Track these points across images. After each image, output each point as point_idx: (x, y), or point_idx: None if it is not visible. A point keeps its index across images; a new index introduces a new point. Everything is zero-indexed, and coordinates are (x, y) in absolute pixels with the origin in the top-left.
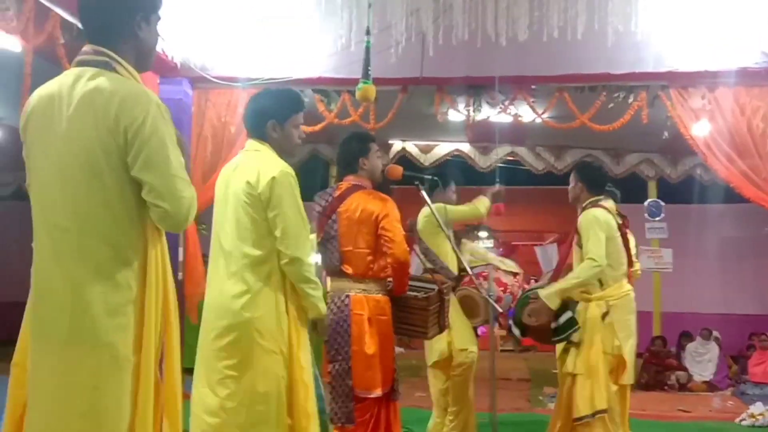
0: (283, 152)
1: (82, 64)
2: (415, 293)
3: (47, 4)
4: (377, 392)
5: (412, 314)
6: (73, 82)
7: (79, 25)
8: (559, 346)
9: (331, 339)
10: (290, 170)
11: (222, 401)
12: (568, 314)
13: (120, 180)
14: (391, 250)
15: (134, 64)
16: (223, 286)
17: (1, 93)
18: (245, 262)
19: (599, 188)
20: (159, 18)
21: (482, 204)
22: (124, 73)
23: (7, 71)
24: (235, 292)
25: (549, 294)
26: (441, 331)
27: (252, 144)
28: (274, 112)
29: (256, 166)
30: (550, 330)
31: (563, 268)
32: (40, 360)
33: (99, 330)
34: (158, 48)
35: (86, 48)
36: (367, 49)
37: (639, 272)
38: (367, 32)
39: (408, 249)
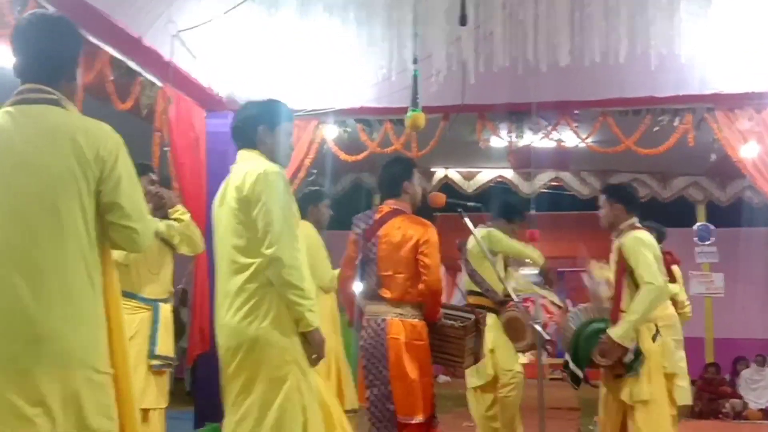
0: (275, 160)
1: (25, 102)
2: (452, 322)
3: (96, 42)
4: (419, 418)
5: (448, 343)
6: (23, 116)
7: (129, 63)
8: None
9: (369, 364)
10: (279, 169)
11: (235, 427)
12: (632, 348)
13: (83, 206)
14: (425, 277)
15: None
16: (225, 306)
17: None
18: (245, 275)
19: (636, 207)
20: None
21: (535, 251)
22: (72, 110)
23: None
24: (236, 307)
25: (623, 335)
26: (476, 361)
27: (242, 154)
28: (265, 117)
29: (244, 170)
30: (621, 366)
31: (620, 296)
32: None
33: (73, 350)
34: (204, 83)
35: (26, 86)
36: (415, 77)
37: (689, 313)
38: (415, 61)
39: (440, 278)
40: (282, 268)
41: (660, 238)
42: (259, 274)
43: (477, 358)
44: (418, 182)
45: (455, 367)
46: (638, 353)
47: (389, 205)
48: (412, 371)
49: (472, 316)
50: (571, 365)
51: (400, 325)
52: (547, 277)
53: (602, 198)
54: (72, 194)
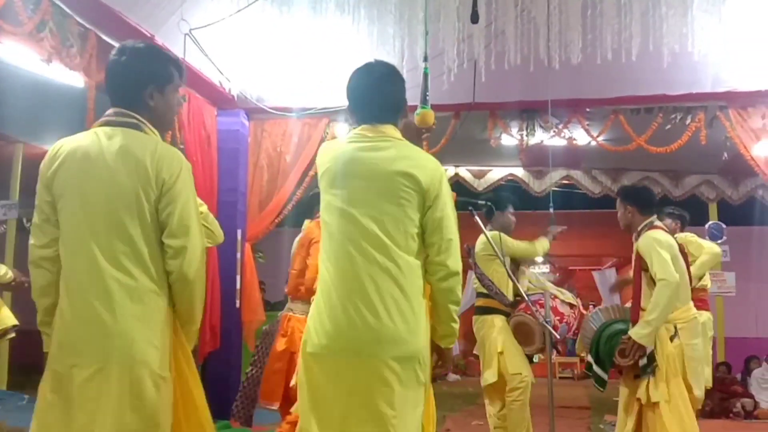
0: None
1: (109, 124)
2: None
3: (109, 40)
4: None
5: None
6: (106, 137)
7: None
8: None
9: (260, 345)
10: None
11: None
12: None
13: (154, 221)
14: (306, 275)
15: (152, 125)
16: (368, 307)
17: (65, 127)
18: (402, 277)
19: (650, 208)
20: (176, 88)
21: (541, 246)
22: (149, 133)
23: (71, 106)
24: (395, 312)
25: (643, 335)
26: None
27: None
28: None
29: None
30: (638, 367)
31: (639, 295)
32: (80, 383)
33: (135, 350)
34: (216, 81)
35: (112, 110)
36: (426, 75)
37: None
38: (425, 59)
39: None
40: (453, 276)
41: (683, 225)
42: (417, 278)
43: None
44: None
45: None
46: (652, 358)
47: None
48: (280, 362)
49: None
50: (595, 368)
51: (286, 318)
52: (553, 265)
53: (617, 201)
54: (134, 210)
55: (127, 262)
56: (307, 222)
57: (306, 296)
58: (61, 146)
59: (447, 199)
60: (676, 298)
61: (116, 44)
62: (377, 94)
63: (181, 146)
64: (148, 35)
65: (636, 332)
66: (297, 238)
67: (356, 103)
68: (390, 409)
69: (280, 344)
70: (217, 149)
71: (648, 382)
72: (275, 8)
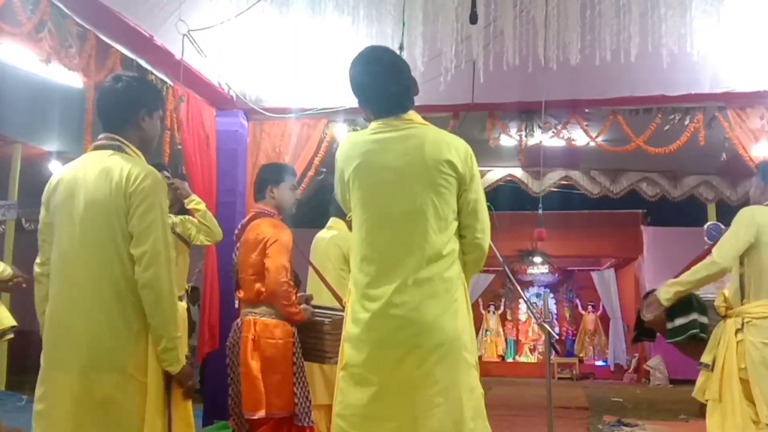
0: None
1: (99, 148)
2: (322, 318)
3: (108, 41)
4: (260, 413)
5: (318, 339)
6: (92, 160)
7: (139, 61)
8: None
9: (230, 362)
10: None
11: None
12: (686, 318)
13: (126, 236)
14: (266, 279)
15: (138, 147)
16: (405, 292)
17: (64, 128)
18: (444, 262)
19: None
20: (161, 116)
21: None
22: (131, 154)
23: (70, 107)
24: (429, 297)
25: (662, 288)
26: None
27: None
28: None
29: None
30: (666, 329)
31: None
32: (60, 387)
33: (112, 355)
34: (215, 82)
35: (102, 135)
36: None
37: None
38: (401, 48)
39: (283, 281)
40: (484, 255)
41: None
42: (456, 263)
43: None
44: (291, 190)
45: (324, 361)
46: (686, 328)
47: (255, 208)
48: (255, 368)
49: (343, 314)
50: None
51: (251, 323)
52: (551, 266)
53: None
54: (116, 225)
55: (105, 276)
56: (262, 222)
57: (269, 299)
58: (60, 172)
59: (479, 179)
60: (712, 279)
61: (115, 45)
62: (394, 85)
63: (180, 146)
64: (147, 36)
65: (662, 288)
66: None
67: (371, 97)
68: (440, 397)
69: (250, 349)
70: (216, 150)
71: (704, 378)
72: (274, 9)
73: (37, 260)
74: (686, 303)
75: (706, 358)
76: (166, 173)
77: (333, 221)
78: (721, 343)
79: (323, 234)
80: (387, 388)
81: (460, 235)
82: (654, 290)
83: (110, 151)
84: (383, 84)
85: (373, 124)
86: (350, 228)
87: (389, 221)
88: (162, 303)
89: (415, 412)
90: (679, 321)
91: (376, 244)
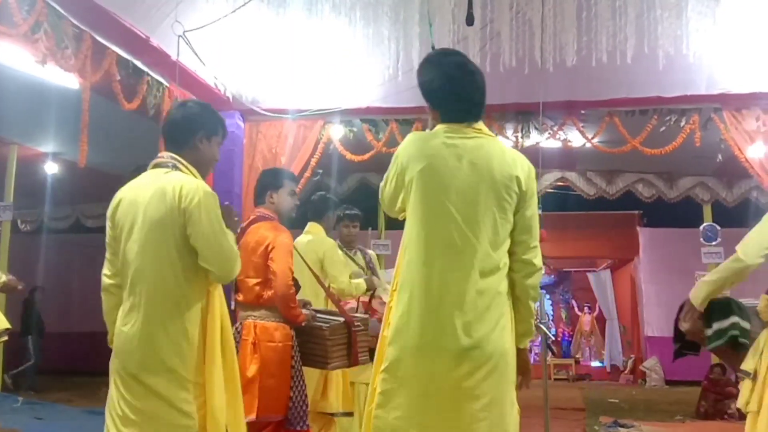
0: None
1: (158, 166)
2: (320, 324)
3: (104, 42)
4: (250, 417)
5: (316, 344)
6: (150, 179)
7: (135, 62)
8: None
9: None
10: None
11: None
12: (725, 322)
13: (182, 247)
14: (273, 282)
15: (194, 166)
16: (457, 307)
17: (60, 129)
18: (496, 276)
19: None
20: (219, 143)
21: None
22: (185, 171)
23: (66, 108)
24: (481, 312)
25: (693, 293)
26: (350, 365)
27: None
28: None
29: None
30: (704, 336)
31: None
32: (123, 389)
33: (164, 359)
34: (211, 83)
35: (162, 153)
36: None
37: None
38: (432, 47)
39: (290, 283)
40: (539, 272)
41: None
42: (506, 278)
43: (352, 362)
44: (290, 195)
45: (322, 366)
46: (721, 334)
47: (255, 212)
48: (250, 370)
49: (342, 319)
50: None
51: (251, 326)
52: (548, 267)
53: None
54: (171, 239)
55: (162, 288)
56: (262, 225)
57: (270, 302)
58: (122, 190)
59: (536, 197)
60: (738, 277)
61: (111, 46)
62: (479, 94)
63: None
64: (143, 37)
65: (692, 291)
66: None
67: (453, 101)
68: (485, 412)
69: (249, 352)
70: None
71: (746, 387)
72: (271, 10)
73: (106, 272)
74: (725, 307)
75: (747, 365)
76: None
77: (310, 225)
78: (764, 351)
79: (301, 239)
80: (432, 395)
81: (510, 252)
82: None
83: (166, 169)
84: (472, 91)
85: (443, 128)
86: (327, 231)
87: (450, 228)
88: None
89: (460, 424)
90: (717, 326)
91: (434, 249)
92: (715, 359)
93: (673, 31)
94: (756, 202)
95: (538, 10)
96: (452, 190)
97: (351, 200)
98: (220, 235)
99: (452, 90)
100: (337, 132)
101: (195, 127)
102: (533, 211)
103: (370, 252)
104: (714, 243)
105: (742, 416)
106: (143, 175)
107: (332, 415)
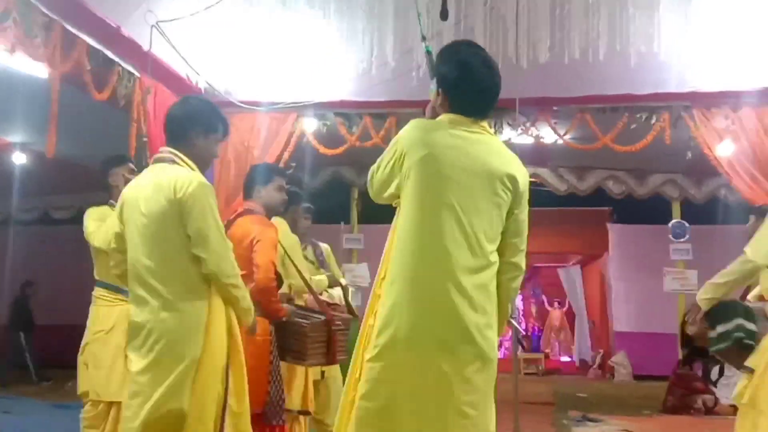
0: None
1: (158, 161)
2: (300, 320)
3: (74, 31)
4: None
5: (295, 340)
6: (150, 175)
7: (106, 52)
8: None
9: None
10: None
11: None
12: (729, 324)
13: (184, 237)
14: (255, 275)
15: (192, 161)
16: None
17: (28, 119)
18: (489, 273)
19: None
20: (218, 140)
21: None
22: (182, 164)
23: (35, 97)
24: (482, 310)
25: (700, 295)
26: (328, 363)
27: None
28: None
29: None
30: (709, 339)
31: None
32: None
33: (178, 343)
34: (183, 74)
35: (162, 148)
36: (429, 53)
37: None
38: (423, 38)
39: (272, 276)
40: (521, 275)
41: None
42: (495, 277)
43: (330, 359)
44: (278, 190)
45: (299, 362)
46: (725, 336)
47: (243, 206)
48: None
49: (323, 317)
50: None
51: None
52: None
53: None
54: (171, 228)
55: (160, 274)
56: (247, 219)
57: (256, 294)
58: (127, 187)
59: (527, 203)
60: (749, 276)
61: (81, 35)
62: (496, 94)
63: (146, 140)
64: (114, 26)
65: (699, 297)
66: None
67: (473, 95)
68: (472, 409)
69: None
70: None
71: (744, 380)
72: (244, 1)
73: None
74: (729, 309)
75: (751, 361)
76: (131, 166)
77: (275, 220)
78: (765, 348)
79: None
80: (422, 388)
81: (499, 252)
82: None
83: (165, 164)
84: (493, 88)
85: (448, 118)
86: (292, 226)
87: (448, 219)
88: (235, 291)
89: (447, 419)
90: (721, 328)
91: (428, 240)
92: (682, 354)
93: (645, 29)
94: (724, 200)
95: (512, 6)
96: (452, 182)
97: (324, 194)
98: (212, 225)
99: (473, 84)
100: (310, 125)
101: (193, 122)
102: (526, 215)
103: (323, 245)
104: (683, 240)
105: (708, 411)
106: (144, 171)
107: (299, 412)
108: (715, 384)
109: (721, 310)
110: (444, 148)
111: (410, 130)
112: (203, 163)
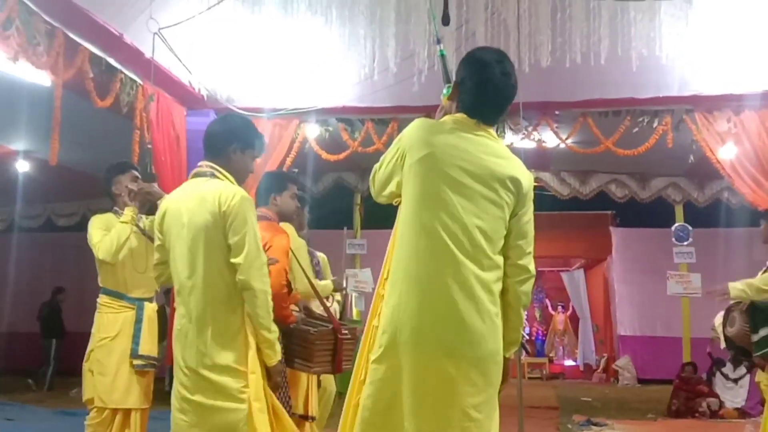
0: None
1: (197, 175)
2: (308, 327)
3: (76, 39)
4: None
5: (302, 348)
6: (191, 188)
7: (108, 60)
8: None
9: None
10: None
11: None
12: None
13: (225, 249)
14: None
15: (232, 175)
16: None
17: (31, 126)
18: (496, 273)
19: None
20: (254, 156)
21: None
22: (222, 178)
23: (38, 105)
24: (486, 310)
25: (736, 286)
26: (335, 372)
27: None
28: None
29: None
30: (751, 342)
31: None
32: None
33: (214, 354)
34: (185, 81)
35: (201, 163)
36: (443, 56)
37: None
38: (438, 41)
39: (284, 283)
40: (532, 279)
41: None
42: (500, 279)
43: (336, 369)
44: (293, 197)
45: (305, 369)
46: None
47: (257, 212)
48: None
49: (330, 325)
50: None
51: None
52: None
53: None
54: (214, 241)
55: (213, 284)
56: (260, 225)
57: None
58: (167, 200)
59: (532, 205)
60: None
61: (84, 43)
62: (510, 101)
63: (150, 146)
64: (117, 34)
65: (733, 284)
66: None
67: (486, 99)
68: (477, 412)
69: None
70: (186, 149)
71: None
72: (246, 8)
73: (155, 275)
74: None
75: None
76: (135, 173)
77: (282, 226)
78: None
79: None
80: (425, 389)
81: (505, 256)
82: (734, 304)
83: (205, 178)
84: (507, 98)
85: (452, 119)
86: (298, 230)
87: (449, 219)
88: (256, 301)
89: (452, 420)
90: (764, 331)
91: (429, 239)
92: (686, 358)
93: (647, 33)
94: (727, 203)
95: (514, 10)
96: (453, 182)
97: (326, 199)
98: (250, 236)
99: (487, 90)
100: (312, 131)
101: (231, 138)
102: (530, 217)
103: (319, 254)
104: (686, 243)
105: (712, 414)
106: (184, 184)
107: (300, 417)
108: None
109: (762, 312)
110: (446, 147)
111: (413, 129)
112: (239, 177)
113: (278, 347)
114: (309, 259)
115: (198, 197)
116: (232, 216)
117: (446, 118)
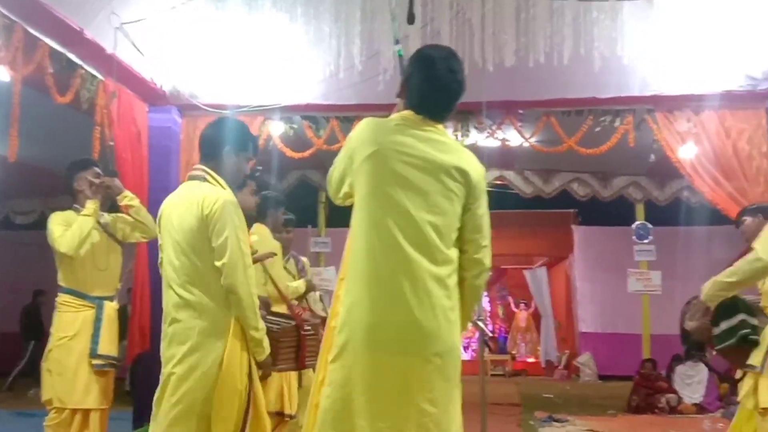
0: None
1: (191, 178)
2: (270, 326)
3: (36, 34)
4: None
5: None
6: (183, 191)
7: (69, 55)
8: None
9: None
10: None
11: None
12: (733, 320)
13: (211, 253)
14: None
15: (224, 177)
16: (417, 298)
17: None
18: (449, 268)
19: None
20: (248, 158)
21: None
22: (213, 182)
23: None
24: (439, 305)
25: (706, 290)
26: (298, 368)
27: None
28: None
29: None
30: (711, 336)
31: None
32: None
33: (203, 348)
34: (147, 77)
35: (196, 166)
36: (400, 56)
37: None
38: (396, 42)
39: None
40: (487, 273)
41: None
42: (456, 273)
43: (299, 365)
44: (252, 194)
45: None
46: (732, 332)
47: None
48: None
49: (293, 322)
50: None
51: None
52: None
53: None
54: (199, 242)
55: (190, 284)
56: None
57: None
58: (164, 202)
59: (486, 197)
60: (760, 274)
61: (44, 38)
62: (456, 98)
63: (111, 143)
64: (77, 29)
65: (704, 287)
66: None
67: (431, 95)
68: (432, 407)
69: None
70: (148, 146)
71: (760, 384)
72: (210, 4)
73: (161, 272)
74: (731, 306)
75: (754, 359)
76: (96, 170)
77: (256, 227)
78: None
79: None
80: (382, 387)
81: (461, 250)
82: (696, 297)
83: (197, 182)
84: (452, 94)
85: (399, 116)
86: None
87: (397, 217)
88: (243, 304)
89: (409, 417)
90: (725, 324)
91: (381, 238)
92: (646, 354)
93: (609, 33)
94: (687, 202)
95: (478, 10)
96: (401, 178)
97: (291, 197)
98: (232, 239)
99: (432, 86)
100: (277, 128)
101: (224, 141)
102: (485, 210)
103: (303, 259)
104: (646, 241)
105: (672, 410)
106: (180, 187)
107: (276, 413)
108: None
109: (723, 306)
110: (391, 144)
111: (360, 129)
112: (234, 179)
113: (266, 343)
114: (294, 264)
115: (186, 201)
116: (215, 220)
117: (394, 115)
